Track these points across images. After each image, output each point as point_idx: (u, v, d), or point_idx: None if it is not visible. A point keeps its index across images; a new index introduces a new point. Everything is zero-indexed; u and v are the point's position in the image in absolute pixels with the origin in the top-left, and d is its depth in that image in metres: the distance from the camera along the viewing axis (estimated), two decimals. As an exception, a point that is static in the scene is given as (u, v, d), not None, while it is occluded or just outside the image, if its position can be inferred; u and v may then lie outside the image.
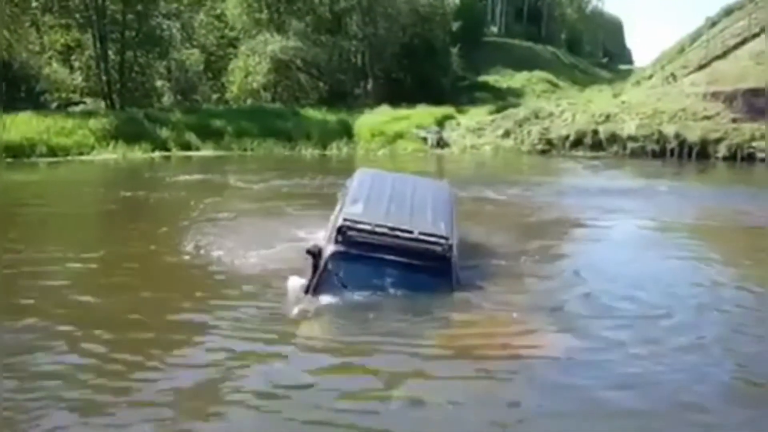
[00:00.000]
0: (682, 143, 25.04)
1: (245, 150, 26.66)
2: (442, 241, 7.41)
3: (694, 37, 35.01)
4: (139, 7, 32.44)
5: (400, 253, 7.29)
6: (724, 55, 29.40)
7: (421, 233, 7.40)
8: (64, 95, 33.82)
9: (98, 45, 31.76)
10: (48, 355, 5.84)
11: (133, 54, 33.46)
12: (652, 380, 5.51)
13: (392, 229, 7.41)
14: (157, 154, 24.65)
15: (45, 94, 32.33)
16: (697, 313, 7.23)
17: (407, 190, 8.82)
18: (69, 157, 22.92)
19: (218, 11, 40.74)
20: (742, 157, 24.07)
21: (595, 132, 26.67)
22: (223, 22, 40.89)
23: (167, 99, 37.87)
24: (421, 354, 5.98)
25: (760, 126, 24.42)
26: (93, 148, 24.09)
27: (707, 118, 25.53)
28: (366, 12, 39.30)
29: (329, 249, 7.27)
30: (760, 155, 23.86)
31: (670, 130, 25.38)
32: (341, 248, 7.26)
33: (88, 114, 27.41)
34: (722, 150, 24.43)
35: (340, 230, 7.31)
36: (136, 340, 6.25)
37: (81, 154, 23.53)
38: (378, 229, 7.36)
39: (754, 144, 24.08)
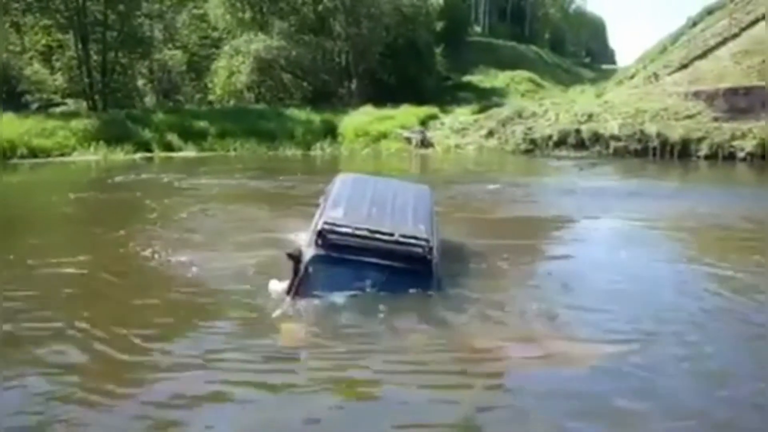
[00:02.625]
0: (664, 142, 25.18)
1: (228, 151, 26.54)
2: (423, 243, 7.38)
3: (676, 36, 35.36)
4: (121, 8, 32.23)
5: (381, 255, 7.25)
6: (704, 54, 29.67)
7: (401, 236, 7.37)
8: (45, 96, 33.55)
9: (80, 45, 31.56)
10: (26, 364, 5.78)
11: (115, 54, 33.25)
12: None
13: (373, 231, 7.37)
14: (139, 155, 24.48)
15: (26, 95, 32.07)
16: (684, 325, 7.02)
17: (388, 193, 8.79)
18: (50, 159, 22.73)
19: (201, 11, 40.55)
20: (723, 156, 24.23)
21: (578, 132, 26.78)
22: (205, 22, 40.73)
23: (150, 100, 37.70)
24: (399, 359, 5.94)
25: (740, 125, 24.66)
26: (74, 149, 23.93)
27: (689, 117, 25.73)
28: (349, 12, 39.22)
29: (310, 252, 7.23)
30: (740, 154, 24.06)
31: (652, 129, 25.53)
32: (321, 251, 7.22)
33: (70, 115, 27.26)
34: (704, 149, 24.61)
35: (321, 233, 7.27)
36: (114, 343, 6.16)
37: (62, 155, 23.37)
38: (358, 232, 7.33)
39: (734, 143, 24.28)
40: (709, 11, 35.23)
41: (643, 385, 5.51)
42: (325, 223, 7.40)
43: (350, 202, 8.20)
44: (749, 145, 23.96)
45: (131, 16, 33.19)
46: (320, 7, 39.76)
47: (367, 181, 9.59)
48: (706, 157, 24.44)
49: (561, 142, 26.95)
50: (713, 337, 6.71)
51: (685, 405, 5.26)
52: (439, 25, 46.69)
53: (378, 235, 7.32)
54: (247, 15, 38.96)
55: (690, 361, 6.04)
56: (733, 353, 6.33)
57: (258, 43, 35.38)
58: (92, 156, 23.52)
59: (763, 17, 29.15)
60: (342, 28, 39.42)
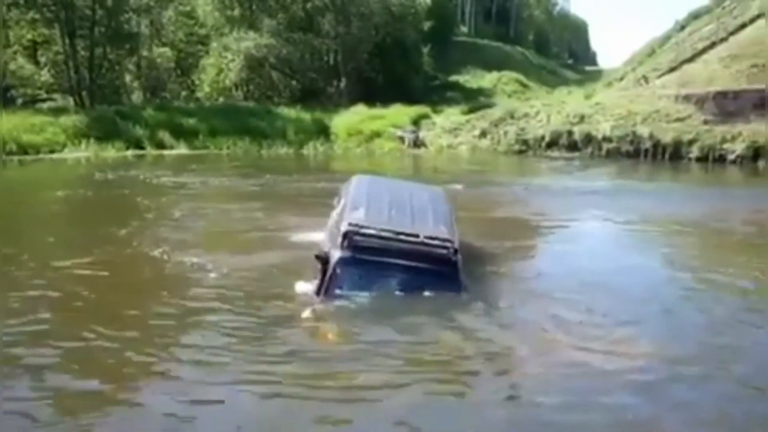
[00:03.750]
0: (655, 144, 25.42)
1: (221, 149, 26.33)
2: (448, 244, 7.38)
3: (664, 40, 35.70)
4: (109, 3, 31.84)
5: (407, 256, 7.24)
6: (693, 58, 29.98)
7: (426, 237, 7.37)
8: (29, 91, 33.05)
9: (67, 41, 31.11)
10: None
11: (103, 50, 32.83)
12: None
13: (397, 233, 7.36)
14: (130, 152, 24.20)
15: (11, 90, 31.58)
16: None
17: (405, 195, 8.79)
18: (40, 156, 22.38)
19: (188, 8, 40.20)
20: (713, 159, 24.49)
21: (570, 133, 26.96)
22: (192, 19, 40.40)
23: (137, 96, 37.34)
24: (431, 360, 5.96)
25: (730, 128, 24.94)
26: (64, 146, 23.60)
27: (679, 119, 25.97)
28: (339, 11, 39.15)
29: (336, 254, 7.19)
30: (730, 157, 24.33)
31: (644, 131, 25.76)
32: (348, 253, 7.18)
33: (58, 111, 26.86)
34: (695, 151, 24.86)
35: (346, 235, 7.24)
36: (146, 341, 6.12)
37: (52, 152, 23.02)
38: (383, 234, 7.32)
39: (725, 146, 24.53)
40: (696, 15, 35.65)
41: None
42: (350, 224, 7.37)
43: (370, 203, 8.17)
44: (739, 147, 24.21)
45: (119, 12, 32.80)
46: (309, 5, 39.67)
47: (383, 182, 9.62)
48: (697, 159, 24.68)
49: (553, 143, 27.13)
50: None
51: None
52: (426, 25, 46.71)
53: (403, 237, 7.32)
54: (236, 12, 38.70)
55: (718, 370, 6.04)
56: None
57: (249, 41, 35.14)
58: (83, 153, 23.22)
59: (750, 22, 29.56)
60: (331, 27, 39.31)
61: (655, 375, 5.79)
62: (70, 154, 22.96)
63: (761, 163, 23.71)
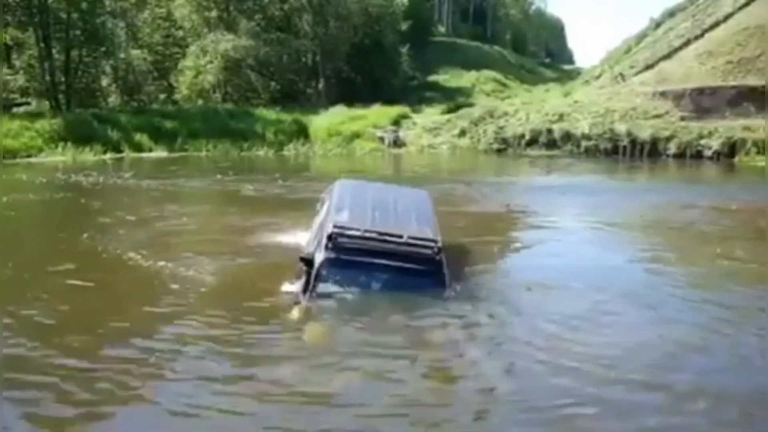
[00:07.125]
0: (633, 141, 25.69)
1: (200, 151, 26.16)
2: (432, 244, 7.43)
3: (640, 38, 36.07)
4: (84, 6, 31.46)
5: (391, 257, 7.29)
6: (669, 55, 30.34)
7: (410, 237, 7.42)
8: (4, 95, 32.52)
9: (42, 44, 30.71)
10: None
11: (79, 53, 32.44)
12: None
13: (382, 234, 7.40)
14: (109, 155, 23.95)
15: (-15, 95, 31.10)
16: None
17: (388, 197, 8.84)
18: (17, 160, 22.08)
19: (164, 10, 39.86)
20: (690, 155, 24.78)
21: (550, 131, 27.15)
22: (168, 22, 40.07)
23: (114, 99, 36.99)
24: (417, 357, 6.01)
25: (707, 124, 25.26)
26: (41, 150, 23.31)
27: (657, 116, 26.30)
28: (317, 12, 39.07)
29: (321, 256, 7.21)
30: (707, 153, 24.63)
31: (621, 128, 26.04)
32: (332, 255, 7.22)
33: (35, 115, 26.53)
34: (672, 148, 25.14)
35: (331, 237, 7.26)
36: (132, 346, 6.04)
37: (29, 156, 22.73)
38: (368, 235, 7.35)
39: (701, 142, 24.83)
40: (671, 13, 36.07)
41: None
42: (335, 226, 7.40)
43: (353, 206, 8.21)
44: (716, 143, 24.55)
45: (94, 14, 32.40)
46: (286, 6, 39.55)
47: (366, 186, 9.65)
48: (675, 156, 24.96)
49: (533, 141, 27.31)
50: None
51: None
52: (404, 25, 46.73)
53: (387, 237, 7.35)
54: (214, 13, 38.47)
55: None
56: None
57: (226, 43, 34.97)
58: (60, 157, 22.93)
59: (725, 19, 29.95)
60: (309, 27, 39.22)
61: (644, 367, 5.87)
62: (47, 159, 22.68)
63: (737, 159, 24.06)
